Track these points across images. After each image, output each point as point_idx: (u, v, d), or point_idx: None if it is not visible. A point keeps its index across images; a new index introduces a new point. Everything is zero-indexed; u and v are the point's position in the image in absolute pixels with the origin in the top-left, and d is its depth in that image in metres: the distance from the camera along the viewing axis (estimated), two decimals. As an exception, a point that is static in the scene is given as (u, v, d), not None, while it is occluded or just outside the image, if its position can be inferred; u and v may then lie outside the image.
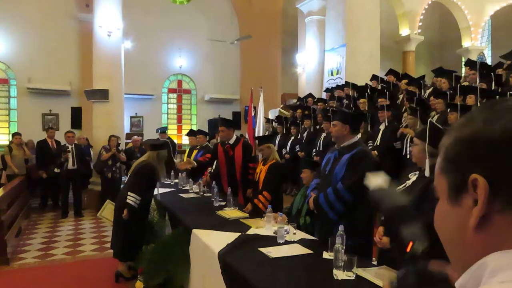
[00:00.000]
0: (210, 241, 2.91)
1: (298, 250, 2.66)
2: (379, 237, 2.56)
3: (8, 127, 11.50)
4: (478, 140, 0.51)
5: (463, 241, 0.52)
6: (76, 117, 11.67)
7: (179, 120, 13.91)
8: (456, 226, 0.53)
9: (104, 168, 7.98)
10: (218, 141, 5.45)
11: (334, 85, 8.83)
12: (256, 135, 7.25)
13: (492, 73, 5.91)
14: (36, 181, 8.49)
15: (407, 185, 2.53)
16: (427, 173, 2.41)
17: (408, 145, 4.90)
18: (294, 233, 2.90)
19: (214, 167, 5.31)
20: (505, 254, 0.48)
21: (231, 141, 4.63)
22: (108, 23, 9.52)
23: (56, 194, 8.42)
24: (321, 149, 6.37)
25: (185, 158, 6.51)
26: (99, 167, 8.10)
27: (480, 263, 0.49)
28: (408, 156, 4.73)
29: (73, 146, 7.79)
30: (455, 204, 0.54)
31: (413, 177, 2.53)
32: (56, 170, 7.69)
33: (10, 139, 8.96)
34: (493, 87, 5.61)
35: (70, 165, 7.66)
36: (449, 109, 4.91)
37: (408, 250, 2.02)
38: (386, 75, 8.23)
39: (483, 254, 0.49)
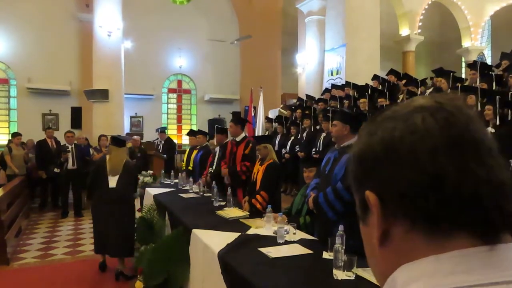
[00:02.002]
0: (210, 241, 2.90)
1: (298, 250, 2.66)
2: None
3: (8, 127, 11.50)
4: (364, 155, 0.50)
5: (376, 259, 0.51)
6: (76, 117, 11.68)
7: (179, 120, 13.92)
8: (369, 246, 0.52)
9: None
10: (215, 144, 5.86)
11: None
12: (255, 135, 7.30)
13: (492, 73, 5.91)
14: (36, 181, 8.49)
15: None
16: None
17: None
18: (294, 233, 2.89)
19: (214, 167, 5.33)
20: (407, 268, 0.46)
21: (238, 139, 4.89)
22: (108, 23, 9.53)
23: (56, 194, 8.41)
24: (321, 149, 6.37)
25: (185, 158, 6.54)
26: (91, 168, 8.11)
27: (391, 279, 0.48)
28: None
29: (73, 146, 7.78)
30: (364, 224, 0.52)
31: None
32: (56, 170, 7.68)
33: (10, 138, 8.95)
34: (493, 87, 5.61)
35: (70, 165, 7.66)
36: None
37: None
38: (387, 75, 8.23)
39: (392, 269, 0.48)
